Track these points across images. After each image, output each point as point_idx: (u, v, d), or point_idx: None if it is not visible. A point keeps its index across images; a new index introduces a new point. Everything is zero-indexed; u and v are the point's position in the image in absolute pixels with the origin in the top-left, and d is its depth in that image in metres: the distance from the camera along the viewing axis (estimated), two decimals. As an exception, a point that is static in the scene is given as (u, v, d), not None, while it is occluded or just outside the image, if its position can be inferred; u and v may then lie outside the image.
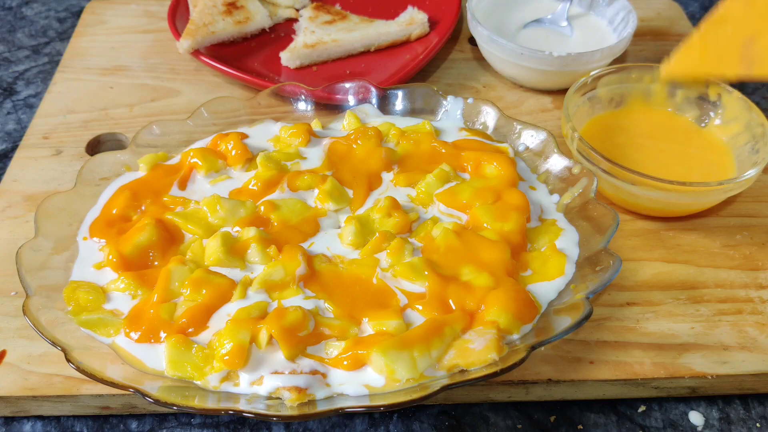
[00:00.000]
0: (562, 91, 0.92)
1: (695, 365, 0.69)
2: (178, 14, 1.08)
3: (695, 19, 1.22)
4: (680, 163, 0.85)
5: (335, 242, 0.73)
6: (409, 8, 1.10)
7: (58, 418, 0.69)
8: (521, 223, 0.73)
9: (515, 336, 0.65)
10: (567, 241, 0.73)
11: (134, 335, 0.65)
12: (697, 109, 0.90)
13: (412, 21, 1.07)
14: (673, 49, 0.66)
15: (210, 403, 0.59)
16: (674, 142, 0.88)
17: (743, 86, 1.08)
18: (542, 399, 0.70)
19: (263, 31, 1.10)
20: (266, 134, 0.86)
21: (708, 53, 0.64)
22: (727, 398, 0.72)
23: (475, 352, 0.62)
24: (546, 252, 0.72)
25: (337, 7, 1.14)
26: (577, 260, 0.71)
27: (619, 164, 0.78)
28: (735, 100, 0.87)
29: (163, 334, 0.64)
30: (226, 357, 0.61)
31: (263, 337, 0.62)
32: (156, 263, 0.71)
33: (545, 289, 0.69)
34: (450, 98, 0.88)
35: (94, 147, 0.94)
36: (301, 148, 0.82)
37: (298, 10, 1.13)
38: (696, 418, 0.70)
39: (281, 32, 1.10)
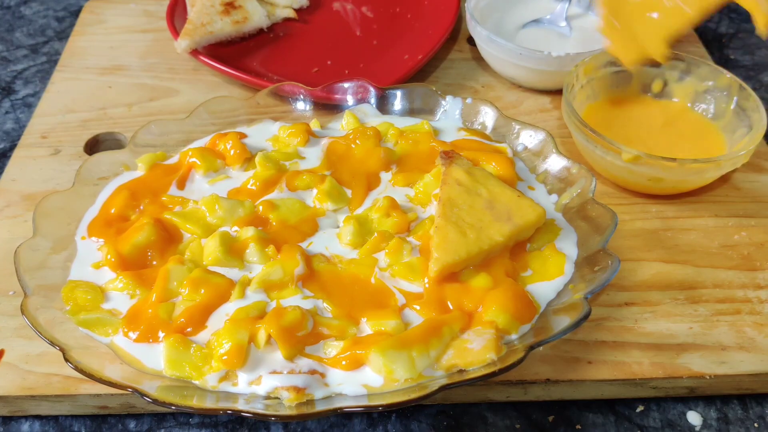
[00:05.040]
0: (560, 91, 0.92)
1: (693, 365, 0.69)
2: (177, 14, 1.08)
3: (694, 19, 1.22)
4: (672, 141, 0.87)
5: (334, 242, 0.73)
6: None
7: (56, 417, 0.69)
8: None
9: (514, 336, 0.65)
10: (566, 241, 0.73)
11: (132, 335, 0.65)
12: (693, 95, 0.92)
13: None
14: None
15: (208, 403, 0.59)
16: (668, 125, 0.90)
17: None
18: (541, 399, 0.70)
19: (261, 30, 1.10)
20: (265, 134, 0.86)
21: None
22: (725, 398, 0.72)
23: (474, 352, 0.62)
24: (545, 252, 0.72)
25: (337, 6, 1.15)
26: (576, 260, 0.71)
27: (610, 140, 0.80)
28: (727, 80, 0.89)
29: (161, 334, 0.64)
30: (225, 357, 0.61)
31: (262, 336, 0.62)
32: (154, 263, 0.71)
33: (544, 289, 0.69)
34: (449, 98, 0.88)
35: (93, 146, 0.93)
36: (299, 148, 0.82)
37: (296, 10, 1.13)
38: (694, 418, 0.70)
39: (279, 32, 1.10)
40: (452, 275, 0.68)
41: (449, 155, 0.76)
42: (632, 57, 0.68)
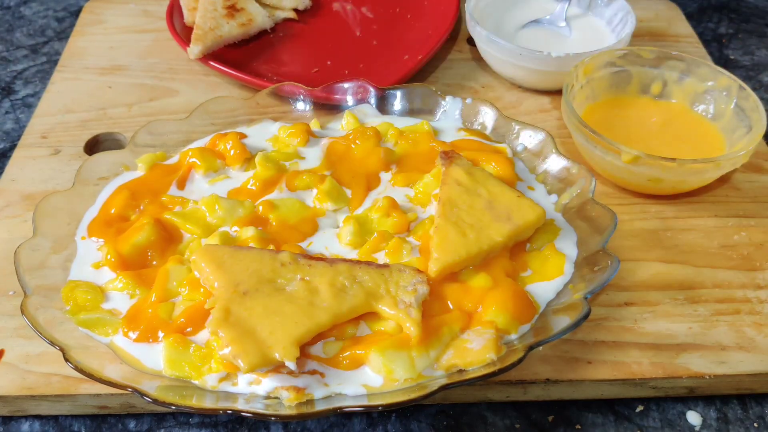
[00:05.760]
0: (560, 91, 0.92)
1: (693, 365, 0.69)
2: (177, 14, 1.08)
3: (693, 19, 1.22)
4: (672, 142, 0.88)
5: (333, 242, 0.73)
6: None
7: (56, 417, 0.69)
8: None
9: (513, 336, 0.65)
10: (565, 241, 0.73)
11: (132, 335, 0.65)
12: (693, 96, 0.92)
13: None
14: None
15: (208, 403, 0.59)
16: (668, 126, 0.90)
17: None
18: (540, 399, 0.70)
19: (262, 31, 1.10)
20: (265, 134, 0.86)
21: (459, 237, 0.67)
22: (724, 398, 0.72)
23: (474, 352, 0.62)
24: (545, 252, 0.72)
25: (337, 6, 1.15)
26: (575, 260, 0.71)
27: (610, 141, 0.79)
28: (726, 81, 0.89)
29: (161, 334, 0.64)
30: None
31: (261, 336, 0.62)
32: (154, 263, 0.71)
33: (544, 289, 0.69)
34: (448, 98, 0.88)
35: (93, 147, 0.93)
36: (299, 148, 0.82)
37: (296, 11, 1.13)
38: (694, 418, 0.70)
39: (280, 32, 1.10)
40: (452, 275, 0.68)
41: (449, 155, 0.76)
42: (252, 360, 0.60)
